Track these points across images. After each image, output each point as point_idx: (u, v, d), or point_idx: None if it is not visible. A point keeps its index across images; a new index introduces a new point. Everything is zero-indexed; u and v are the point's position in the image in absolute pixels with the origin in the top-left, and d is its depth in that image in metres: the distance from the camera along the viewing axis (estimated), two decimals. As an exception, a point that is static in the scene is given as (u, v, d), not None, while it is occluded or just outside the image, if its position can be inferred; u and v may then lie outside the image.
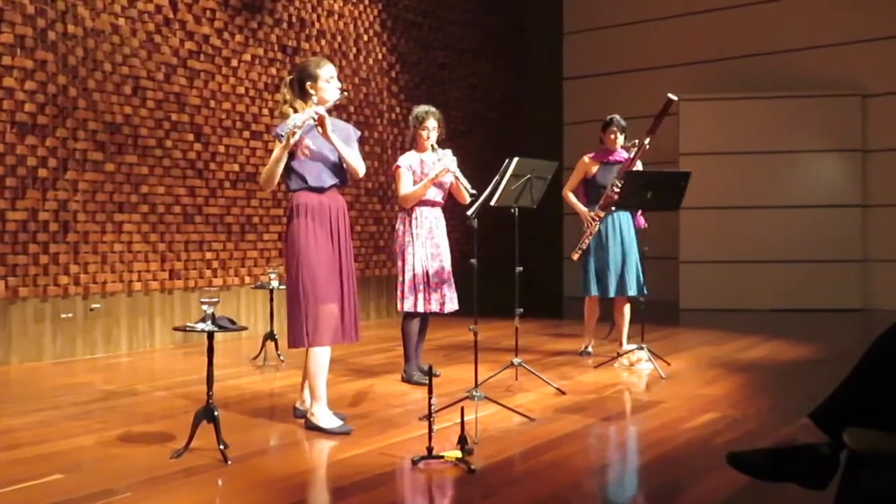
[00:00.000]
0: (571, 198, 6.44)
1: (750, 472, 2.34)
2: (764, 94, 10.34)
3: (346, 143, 4.25)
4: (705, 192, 9.54)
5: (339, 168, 4.27)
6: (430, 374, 3.54)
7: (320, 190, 4.21)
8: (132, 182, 6.89)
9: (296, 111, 4.21)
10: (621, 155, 6.33)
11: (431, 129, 5.37)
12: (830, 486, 2.32)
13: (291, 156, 4.15)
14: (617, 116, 6.39)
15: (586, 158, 6.43)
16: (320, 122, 4.09)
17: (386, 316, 9.06)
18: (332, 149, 4.22)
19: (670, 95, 5.98)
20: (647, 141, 6.05)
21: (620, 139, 6.32)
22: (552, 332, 7.92)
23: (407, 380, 5.44)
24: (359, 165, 4.29)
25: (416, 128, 5.39)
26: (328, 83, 4.23)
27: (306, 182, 4.18)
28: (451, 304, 5.41)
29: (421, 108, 5.45)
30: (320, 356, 4.16)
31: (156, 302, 7.10)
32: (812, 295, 10.02)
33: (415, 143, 5.46)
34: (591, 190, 6.39)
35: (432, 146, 5.37)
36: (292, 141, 4.04)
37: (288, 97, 4.28)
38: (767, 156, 10.20)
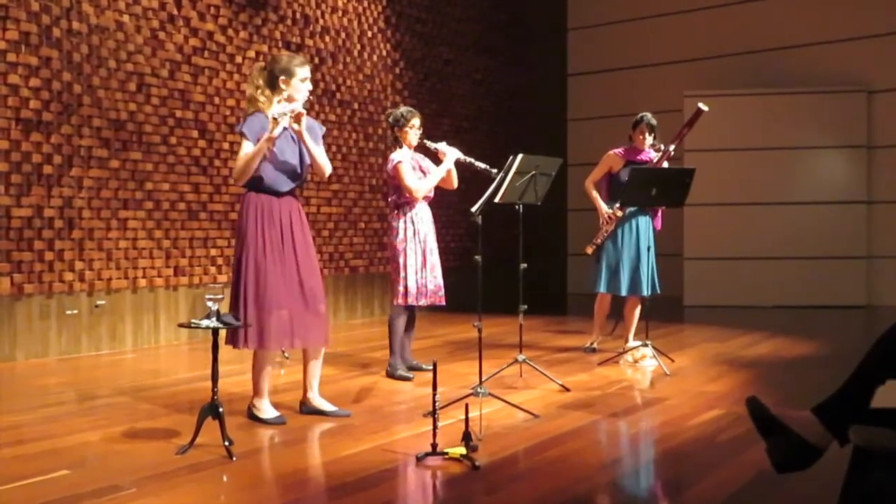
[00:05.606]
0: (592, 191, 6.37)
1: (753, 418, 2.47)
2: (769, 91, 10.32)
3: (314, 142, 4.15)
4: (710, 189, 9.52)
5: (297, 173, 4.17)
6: (434, 370, 3.54)
7: (275, 193, 4.12)
8: (137, 179, 6.90)
9: (267, 101, 4.11)
10: (649, 155, 6.29)
11: (418, 126, 5.46)
12: (834, 483, 2.32)
13: None
14: (648, 115, 6.27)
15: (614, 153, 6.34)
16: (297, 119, 3.97)
17: (390, 312, 9.06)
18: (294, 152, 4.12)
19: (700, 105, 5.94)
20: (671, 147, 6.05)
21: (649, 139, 6.24)
22: (556, 329, 7.92)
23: (391, 374, 5.47)
24: (326, 164, 4.21)
25: (403, 127, 5.43)
26: (302, 83, 4.15)
27: (261, 184, 4.08)
28: (441, 296, 5.53)
29: (402, 109, 5.52)
30: (265, 357, 4.19)
31: (160, 298, 7.12)
32: (817, 291, 10.00)
33: (402, 143, 5.47)
34: (613, 186, 6.32)
35: (419, 143, 5.46)
36: (277, 132, 3.91)
37: (260, 84, 4.15)
38: (772, 152, 10.18)
